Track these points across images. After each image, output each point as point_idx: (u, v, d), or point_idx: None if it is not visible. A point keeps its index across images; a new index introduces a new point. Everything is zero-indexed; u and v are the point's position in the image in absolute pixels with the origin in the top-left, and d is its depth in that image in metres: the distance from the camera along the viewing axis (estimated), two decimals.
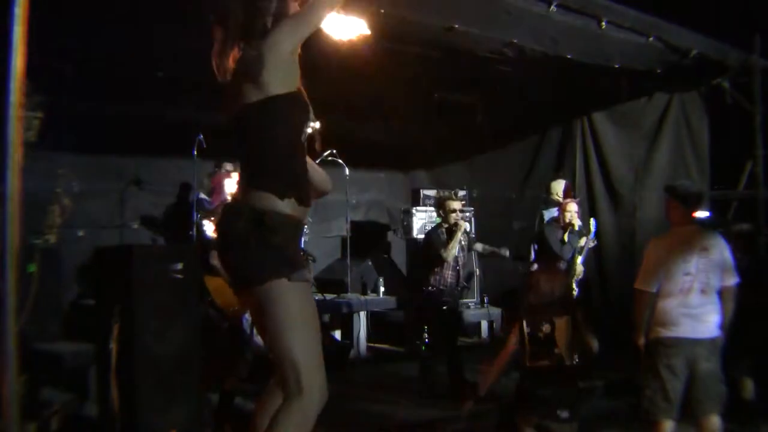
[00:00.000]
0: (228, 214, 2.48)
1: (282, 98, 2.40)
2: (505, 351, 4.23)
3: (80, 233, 6.13)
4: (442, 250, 5.92)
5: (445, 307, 5.98)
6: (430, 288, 6.00)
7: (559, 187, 7.30)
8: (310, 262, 7.44)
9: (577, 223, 6.61)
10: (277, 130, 2.42)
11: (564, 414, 3.94)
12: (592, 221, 6.81)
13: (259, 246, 2.35)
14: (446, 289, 6.00)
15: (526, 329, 4.07)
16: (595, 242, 6.78)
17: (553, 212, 7.01)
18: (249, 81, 2.39)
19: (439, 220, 6.36)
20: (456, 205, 6.11)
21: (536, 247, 6.87)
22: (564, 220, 6.60)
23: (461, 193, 9.10)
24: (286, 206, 2.40)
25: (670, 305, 3.99)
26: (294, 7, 2.53)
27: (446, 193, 6.63)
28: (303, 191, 2.47)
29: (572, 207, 6.66)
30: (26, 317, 4.47)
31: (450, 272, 6.04)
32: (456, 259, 6.06)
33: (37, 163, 5.07)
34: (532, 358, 4.05)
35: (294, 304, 2.38)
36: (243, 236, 2.36)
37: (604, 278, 7.73)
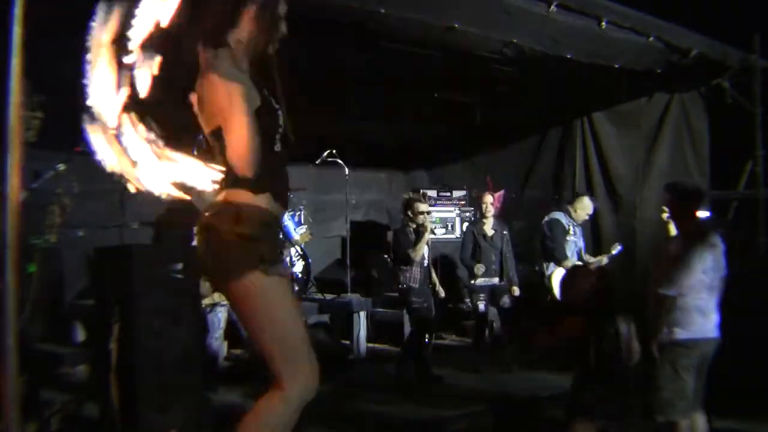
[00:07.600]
0: (206, 210, 2.50)
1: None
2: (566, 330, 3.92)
3: (80, 233, 6.11)
4: (410, 250, 6.20)
5: (415, 305, 6.24)
6: (401, 286, 6.27)
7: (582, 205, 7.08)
8: (306, 261, 7.45)
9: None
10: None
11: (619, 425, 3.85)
12: (617, 246, 6.96)
13: (234, 240, 2.37)
14: (417, 288, 6.23)
15: (592, 332, 3.78)
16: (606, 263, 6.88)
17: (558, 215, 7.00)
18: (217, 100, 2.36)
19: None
20: (424, 207, 6.44)
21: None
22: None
23: (461, 193, 9.13)
24: (261, 201, 2.42)
25: (686, 305, 3.93)
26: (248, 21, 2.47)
27: (415, 196, 6.92)
28: (277, 188, 2.50)
29: (488, 199, 7.02)
30: (26, 317, 4.47)
31: (418, 270, 6.27)
32: (423, 257, 6.33)
33: (37, 163, 5.11)
34: (597, 362, 3.79)
35: (271, 297, 2.40)
36: (219, 231, 2.39)
37: None
